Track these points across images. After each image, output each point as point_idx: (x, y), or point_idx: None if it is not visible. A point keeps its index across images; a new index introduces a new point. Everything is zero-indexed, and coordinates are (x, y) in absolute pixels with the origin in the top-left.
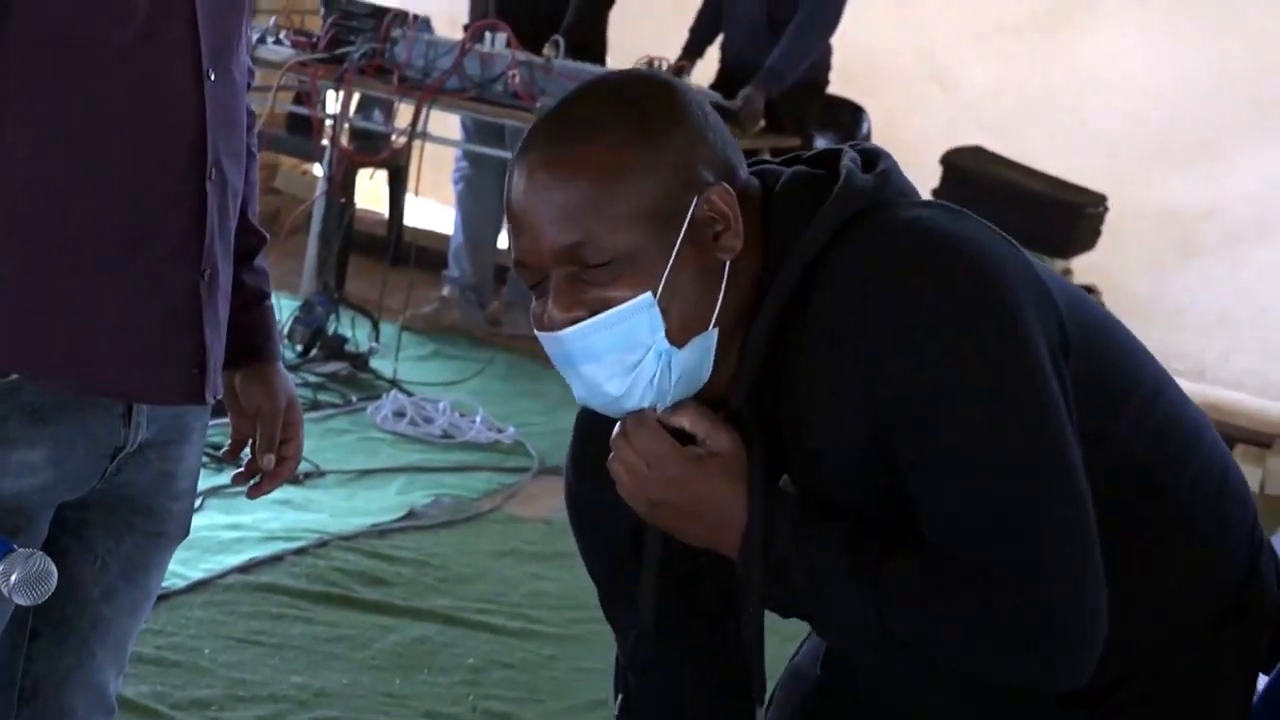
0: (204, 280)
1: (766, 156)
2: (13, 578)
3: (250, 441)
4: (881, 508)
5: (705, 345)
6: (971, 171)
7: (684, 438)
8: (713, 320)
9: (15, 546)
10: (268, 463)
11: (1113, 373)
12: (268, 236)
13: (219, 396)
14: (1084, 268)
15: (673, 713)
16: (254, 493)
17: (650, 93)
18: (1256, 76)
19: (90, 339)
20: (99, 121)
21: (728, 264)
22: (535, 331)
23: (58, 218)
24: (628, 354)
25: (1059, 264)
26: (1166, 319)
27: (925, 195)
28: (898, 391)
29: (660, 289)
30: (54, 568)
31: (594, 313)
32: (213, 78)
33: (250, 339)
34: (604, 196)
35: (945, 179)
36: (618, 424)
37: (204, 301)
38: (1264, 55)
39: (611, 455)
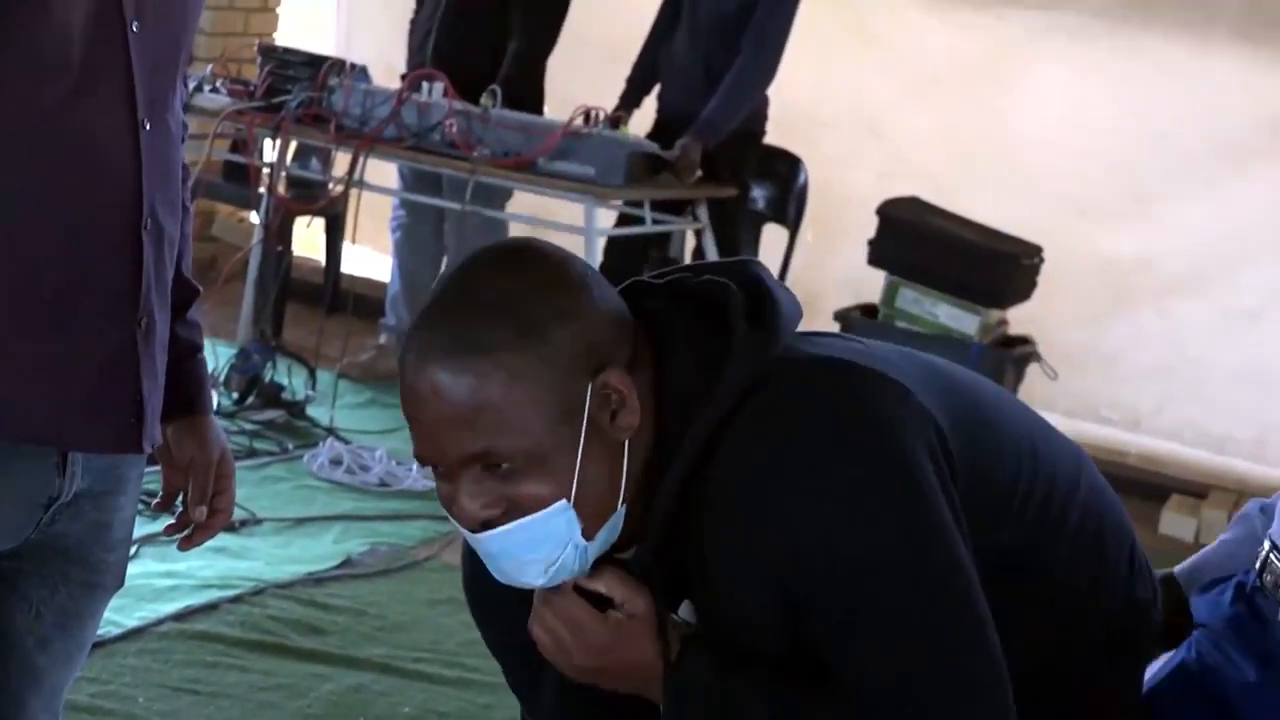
0: (140, 330)
1: (644, 280)
2: None
3: (182, 493)
4: (780, 647)
5: (616, 523)
6: (908, 222)
7: (601, 601)
8: (621, 499)
9: None
10: (199, 515)
11: (996, 481)
12: (200, 290)
13: (156, 445)
14: (1019, 318)
15: None
16: (185, 545)
17: (527, 285)
18: (1186, 132)
19: (25, 388)
20: (31, 179)
21: (627, 441)
22: (446, 513)
23: None
24: (549, 553)
25: (995, 314)
26: (1101, 369)
27: (862, 244)
28: (802, 564)
29: (573, 491)
30: None
31: (506, 510)
32: (148, 127)
33: (183, 392)
34: (500, 408)
35: (881, 229)
36: (535, 591)
37: (140, 351)
38: (1194, 111)
39: (532, 619)
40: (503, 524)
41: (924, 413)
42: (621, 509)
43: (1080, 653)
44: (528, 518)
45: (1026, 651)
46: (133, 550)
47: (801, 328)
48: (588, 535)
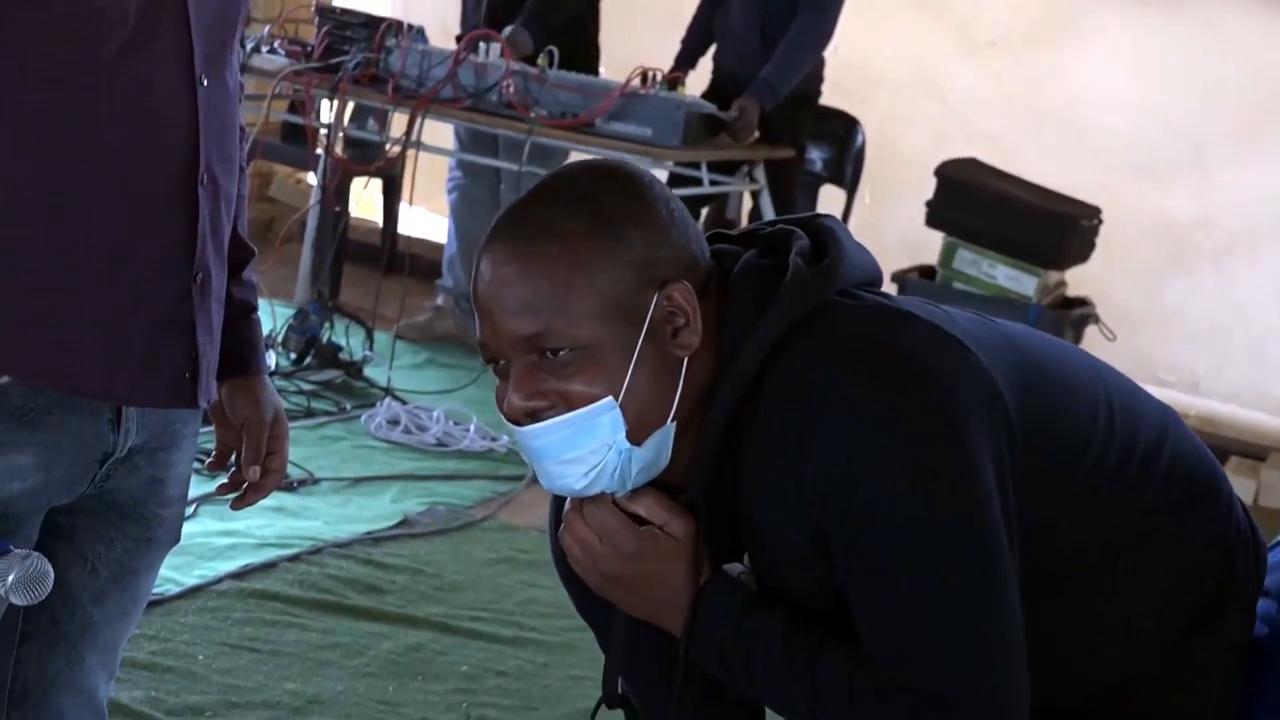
0: (196, 285)
1: (724, 230)
2: (10, 578)
3: (235, 452)
4: (828, 599)
5: (664, 438)
6: (966, 183)
7: (640, 523)
8: (671, 415)
9: (12, 547)
10: (253, 475)
11: (1065, 439)
12: (255, 251)
13: (212, 401)
14: (1077, 279)
15: None
16: (238, 504)
17: (612, 189)
18: (1245, 90)
19: (80, 344)
20: (89, 131)
21: (685, 359)
22: (500, 415)
23: (48, 226)
24: (590, 454)
25: (1053, 275)
26: (1159, 331)
27: (920, 205)
28: (832, 507)
29: (623, 390)
30: (50, 569)
31: (552, 405)
32: (205, 83)
33: (237, 352)
34: (563, 291)
35: (940, 190)
36: (568, 500)
37: (196, 306)
38: (1253, 69)
39: (562, 528)
40: (544, 417)
41: (979, 369)
42: (671, 425)
43: (1170, 615)
44: (572, 412)
45: (1111, 614)
46: (192, 509)
47: None
48: (634, 440)
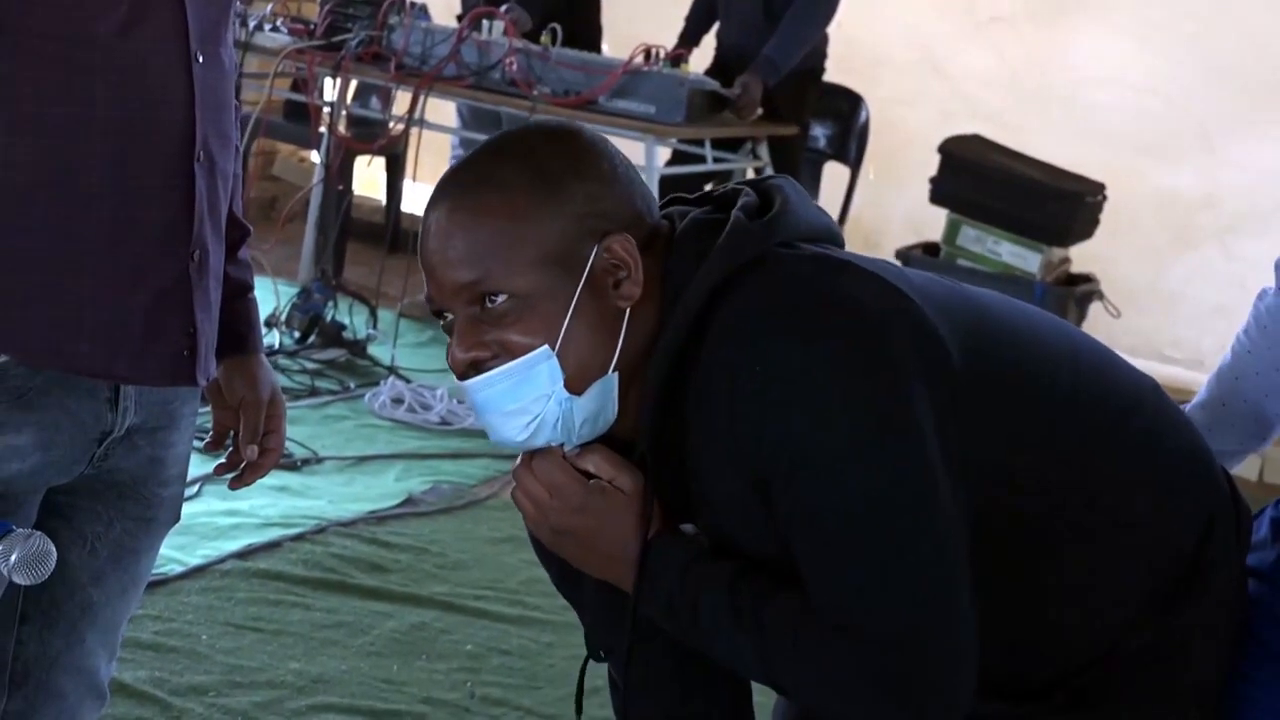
0: (194, 263)
1: (682, 195)
2: (12, 557)
3: (233, 432)
4: (774, 550)
5: (606, 389)
6: (970, 160)
7: (590, 479)
8: (612, 365)
9: (14, 527)
10: (251, 454)
11: (1019, 391)
12: (250, 229)
13: (211, 379)
14: (1082, 256)
15: (666, 707)
16: (236, 484)
17: (553, 142)
18: (1251, 67)
19: (78, 322)
20: (85, 110)
21: (627, 310)
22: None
23: (46, 205)
24: (531, 404)
25: (1057, 252)
26: (1164, 308)
27: (924, 182)
28: (767, 452)
29: (560, 339)
30: (53, 548)
31: (494, 355)
32: (200, 60)
33: (234, 331)
34: (500, 239)
35: (943, 167)
36: (519, 456)
37: (194, 284)
38: (1258, 46)
39: (514, 486)
40: (485, 369)
41: (914, 313)
42: (613, 375)
43: (1152, 583)
44: (510, 362)
45: (1074, 585)
46: (195, 489)
47: None
48: (574, 390)
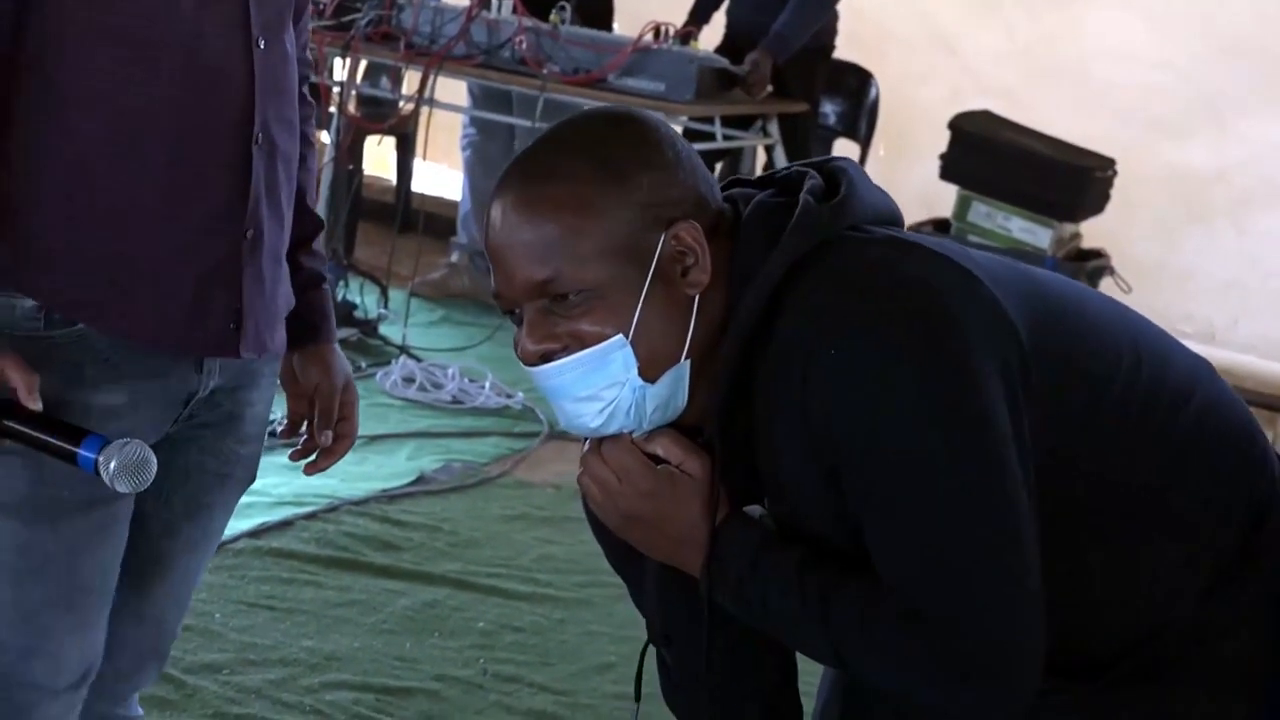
0: (246, 241)
1: (742, 178)
2: (112, 464)
3: (306, 421)
4: (845, 534)
5: (678, 377)
6: (980, 136)
7: (658, 464)
8: (684, 353)
9: (108, 439)
10: (326, 439)
11: (1086, 372)
12: (324, 222)
13: (264, 353)
14: (1092, 231)
15: (710, 687)
16: (311, 469)
17: (617, 132)
18: (1262, 42)
19: (132, 293)
20: (151, 90)
21: (696, 297)
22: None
23: (110, 179)
24: (603, 391)
25: (1068, 228)
26: (1175, 283)
27: (934, 158)
28: (840, 434)
29: (632, 328)
30: (152, 455)
31: (565, 346)
32: (262, 46)
33: (308, 320)
34: (571, 234)
35: (953, 143)
36: (587, 442)
37: (245, 261)
38: (1269, 20)
39: (580, 470)
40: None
41: (987, 296)
42: (685, 363)
43: (1203, 562)
44: (584, 351)
45: (1132, 566)
46: None
47: None
48: (647, 377)
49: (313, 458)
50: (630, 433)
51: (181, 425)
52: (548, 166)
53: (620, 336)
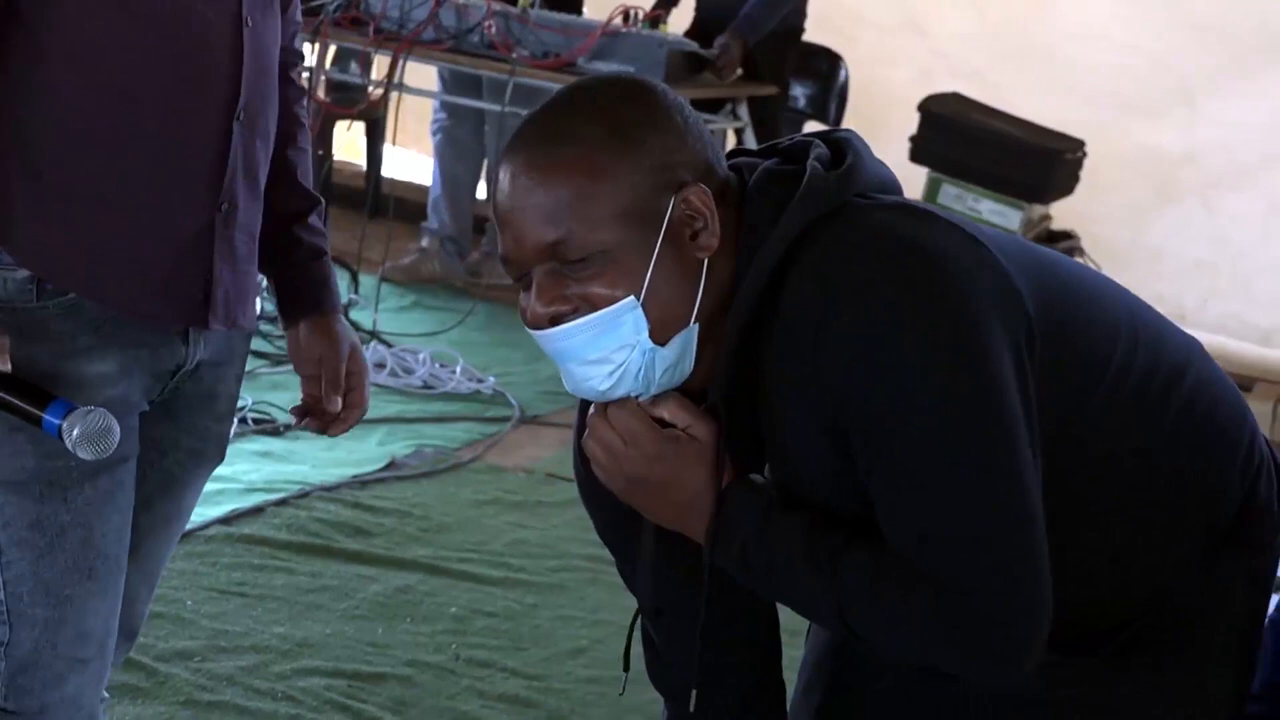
0: (220, 214)
1: (747, 147)
2: (74, 432)
3: (317, 401)
4: (849, 501)
5: (687, 340)
6: (949, 118)
7: (664, 428)
8: (693, 316)
9: (76, 405)
10: (334, 405)
11: (1087, 348)
12: (321, 200)
13: (234, 326)
14: (1062, 213)
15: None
16: (330, 433)
17: (627, 96)
18: (1231, 23)
19: (110, 261)
20: (140, 63)
21: (705, 261)
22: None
23: (96, 148)
24: (613, 353)
25: (1037, 209)
26: (1145, 264)
27: (904, 141)
28: (851, 400)
29: (644, 290)
30: (115, 423)
31: (575, 309)
32: (250, 24)
33: (310, 293)
34: (581, 196)
35: (923, 125)
36: (593, 405)
37: (218, 234)
38: (1239, 2)
39: (586, 434)
40: (565, 320)
41: (998, 265)
42: (694, 327)
43: (1194, 537)
44: (595, 313)
45: (1127, 539)
46: None
47: None
48: (658, 340)
49: (324, 424)
50: (637, 397)
51: (164, 396)
52: (558, 130)
53: (631, 298)
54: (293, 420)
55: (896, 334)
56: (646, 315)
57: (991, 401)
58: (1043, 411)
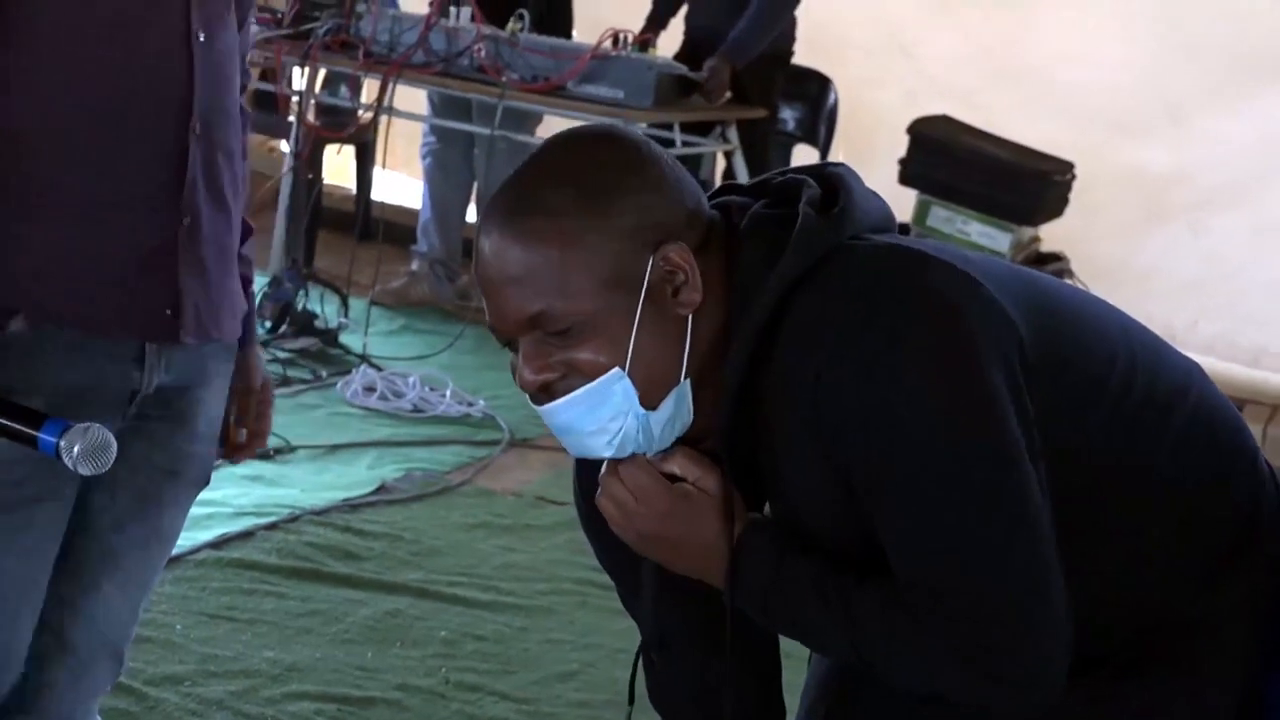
0: (183, 228)
1: (735, 184)
2: (75, 449)
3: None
4: (852, 535)
5: (680, 396)
6: (938, 140)
7: (675, 479)
8: (682, 373)
9: (71, 424)
10: (241, 436)
11: (1084, 371)
12: (253, 228)
13: (210, 339)
14: (1052, 235)
15: (695, 692)
16: (234, 460)
17: (599, 157)
18: (1219, 42)
19: (65, 274)
20: (88, 76)
21: (690, 316)
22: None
23: (45, 161)
24: (608, 423)
25: (1027, 231)
26: (1135, 285)
27: (893, 163)
28: (853, 444)
29: (628, 358)
30: (113, 439)
31: (564, 375)
32: (202, 39)
33: None
34: (559, 269)
35: (912, 148)
36: (605, 463)
37: (181, 247)
38: (1227, 21)
39: (599, 492)
40: (562, 392)
41: (991, 299)
42: (685, 383)
43: (1195, 560)
44: (584, 387)
45: (1130, 560)
46: None
47: None
48: (648, 405)
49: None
50: (645, 453)
51: (131, 423)
52: (531, 199)
53: (617, 369)
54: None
55: (893, 373)
56: (634, 381)
57: (992, 432)
58: (1044, 437)
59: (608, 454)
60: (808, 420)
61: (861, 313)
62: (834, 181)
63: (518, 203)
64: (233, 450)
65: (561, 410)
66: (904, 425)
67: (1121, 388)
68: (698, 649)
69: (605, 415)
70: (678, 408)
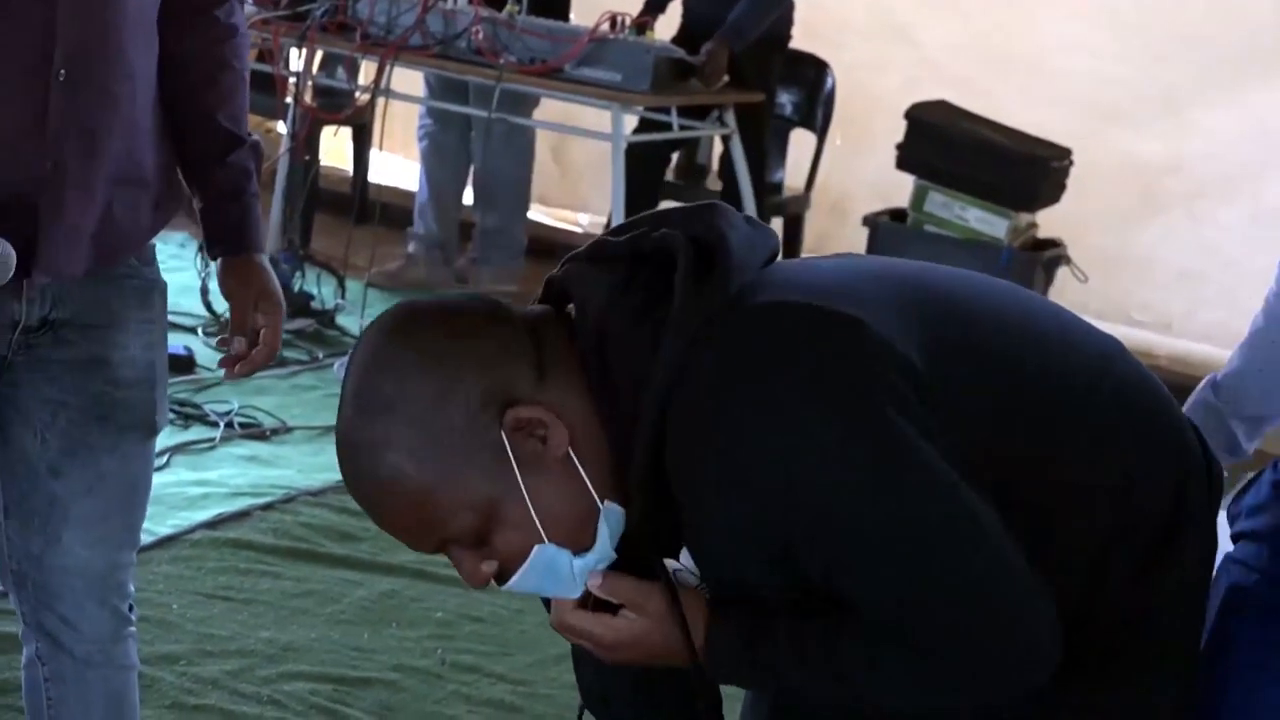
0: (45, 172)
1: (576, 253)
2: None
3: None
4: (786, 581)
5: (609, 514)
6: (936, 126)
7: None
8: (596, 501)
9: None
10: (237, 345)
11: (985, 379)
12: (243, 139)
13: (62, 277)
14: (1049, 221)
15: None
16: (229, 376)
17: (406, 372)
18: (1216, 32)
19: None
20: None
21: (570, 452)
22: None
23: None
24: (565, 578)
25: (1024, 217)
26: (1132, 272)
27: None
28: (782, 519)
29: (540, 529)
30: (11, 249)
31: (501, 560)
32: None
33: (224, 232)
34: (429, 503)
35: (910, 133)
36: (552, 611)
37: (43, 189)
38: (1224, 11)
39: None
40: (510, 574)
41: (872, 338)
42: (607, 504)
43: (1124, 548)
44: (521, 570)
45: (1059, 557)
46: (165, 459)
47: (832, 233)
48: (582, 549)
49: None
50: (585, 591)
51: (26, 355)
52: (371, 462)
53: (538, 547)
54: (224, 348)
55: (789, 445)
56: (560, 541)
57: (909, 464)
58: (962, 448)
59: (577, 594)
60: (722, 521)
61: (736, 402)
62: (707, 234)
63: (358, 462)
64: (229, 360)
65: (518, 587)
66: (826, 505)
67: (1032, 382)
68: (639, 706)
69: (554, 578)
70: (614, 525)
